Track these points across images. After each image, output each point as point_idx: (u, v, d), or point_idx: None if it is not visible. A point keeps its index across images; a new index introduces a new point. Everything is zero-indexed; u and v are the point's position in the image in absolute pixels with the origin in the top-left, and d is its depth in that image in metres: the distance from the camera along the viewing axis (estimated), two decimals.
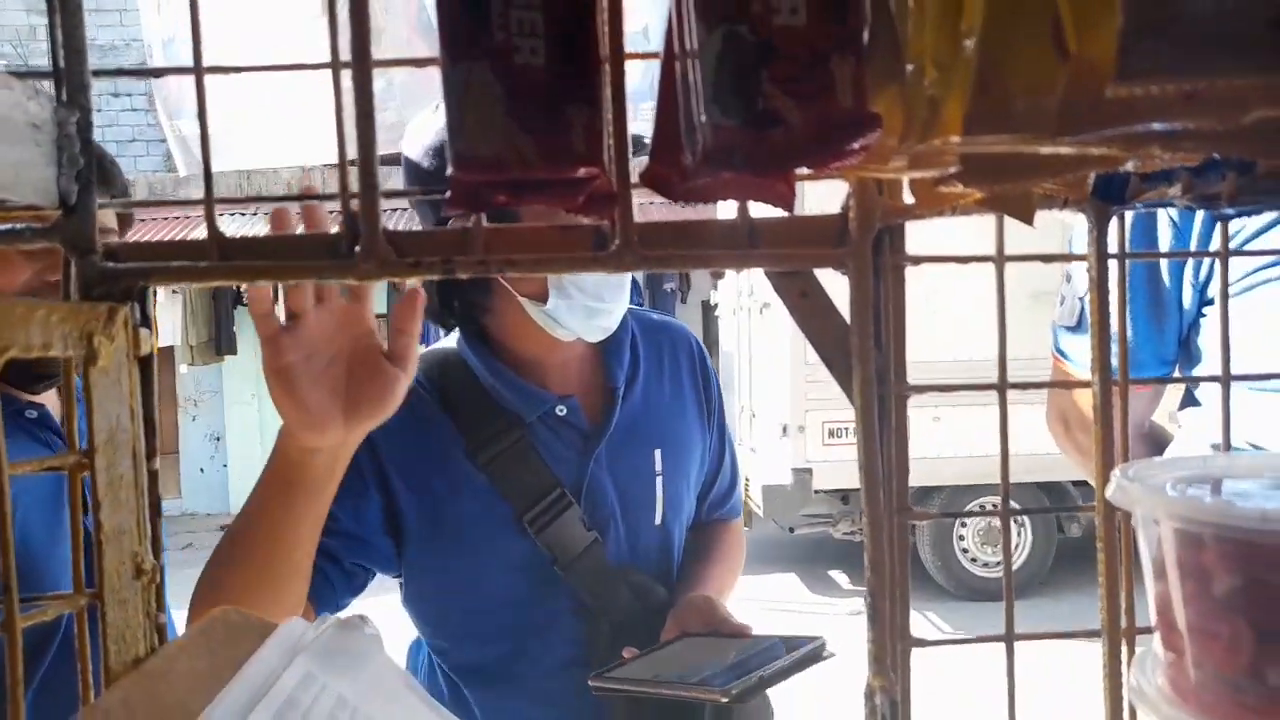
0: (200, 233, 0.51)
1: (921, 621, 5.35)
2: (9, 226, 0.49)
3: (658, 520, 1.26)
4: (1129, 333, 1.05)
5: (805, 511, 5.87)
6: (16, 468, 0.39)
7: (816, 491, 5.62)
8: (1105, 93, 0.24)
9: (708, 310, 8.64)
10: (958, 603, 5.68)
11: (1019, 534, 5.84)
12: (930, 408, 5.13)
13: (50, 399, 1.24)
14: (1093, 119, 0.27)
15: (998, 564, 5.82)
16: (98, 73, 0.49)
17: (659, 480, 1.26)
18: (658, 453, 1.27)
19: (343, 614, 0.57)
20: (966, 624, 5.24)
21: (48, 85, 0.49)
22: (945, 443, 5.19)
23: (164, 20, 7.35)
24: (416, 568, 1.18)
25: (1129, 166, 0.40)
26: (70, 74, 0.47)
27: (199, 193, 0.52)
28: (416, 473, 1.16)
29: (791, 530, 6.15)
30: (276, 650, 0.51)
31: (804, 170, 0.44)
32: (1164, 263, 1.02)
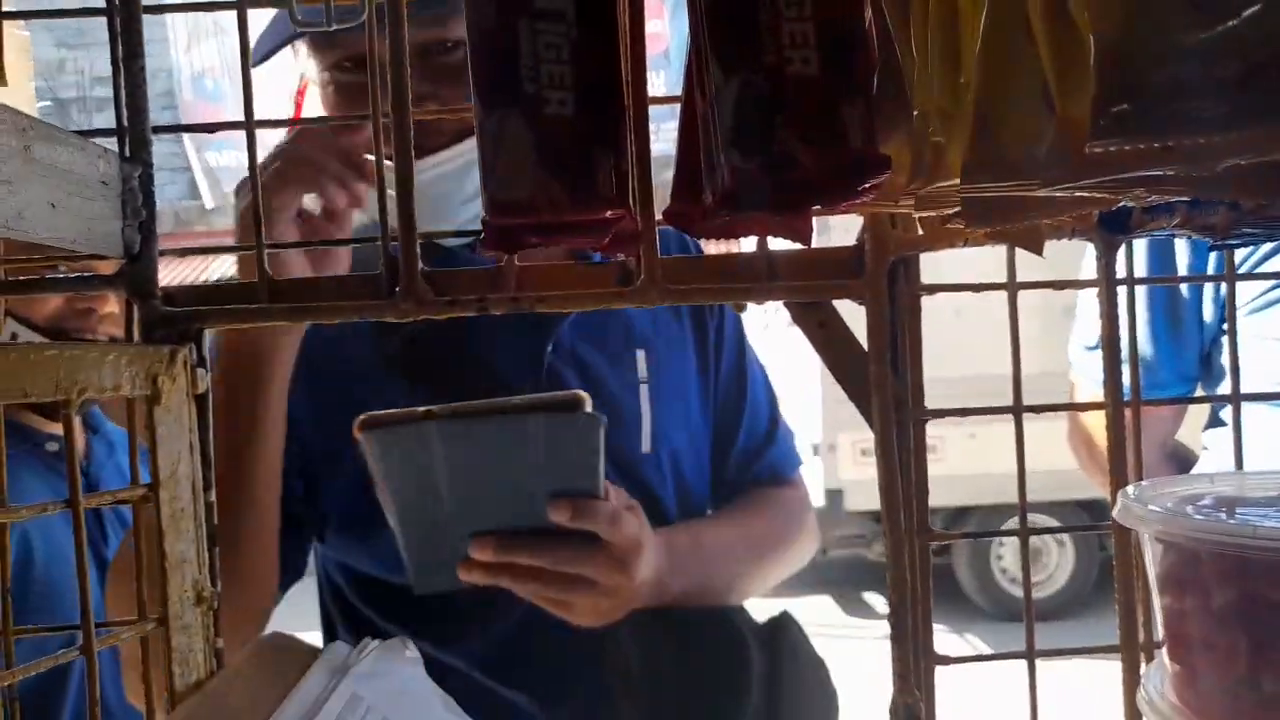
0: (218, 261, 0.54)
1: (960, 644, 5.28)
2: (77, 275, 0.53)
3: (646, 446, 0.91)
4: (1149, 351, 1.05)
5: (838, 533, 5.83)
6: (90, 501, 0.43)
7: (849, 512, 5.58)
8: (1084, 150, 0.26)
9: None
10: (999, 624, 5.59)
11: (1060, 552, 5.75)
12: (965, 425, 5.09)
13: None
14: (1078, 168, 0.29)
15: (1039, 583, 5.73)
16: (158, 129, 0.53)
17: (645, 389, 0.92)
18: (641, 354, 0.92)
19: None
20: (1007, 646, 5.13)
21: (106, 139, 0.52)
22: (980, 460, 5.13)
23: (192, 57, 7.57)
24: (329, 502, 0.89)
25: (1127, 202, 0.42)
26: (134, 131, 0.51)
27: (224, 220, 0.56)
28: (320, 379, 0.87)
29: (824, 552, 6.11)
30: (323, 674, 0.53)
31: (819, 206, 0.46)
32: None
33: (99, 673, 1.22)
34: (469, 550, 0.70)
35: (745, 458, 1.00)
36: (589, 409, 0.66)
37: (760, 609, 0.96)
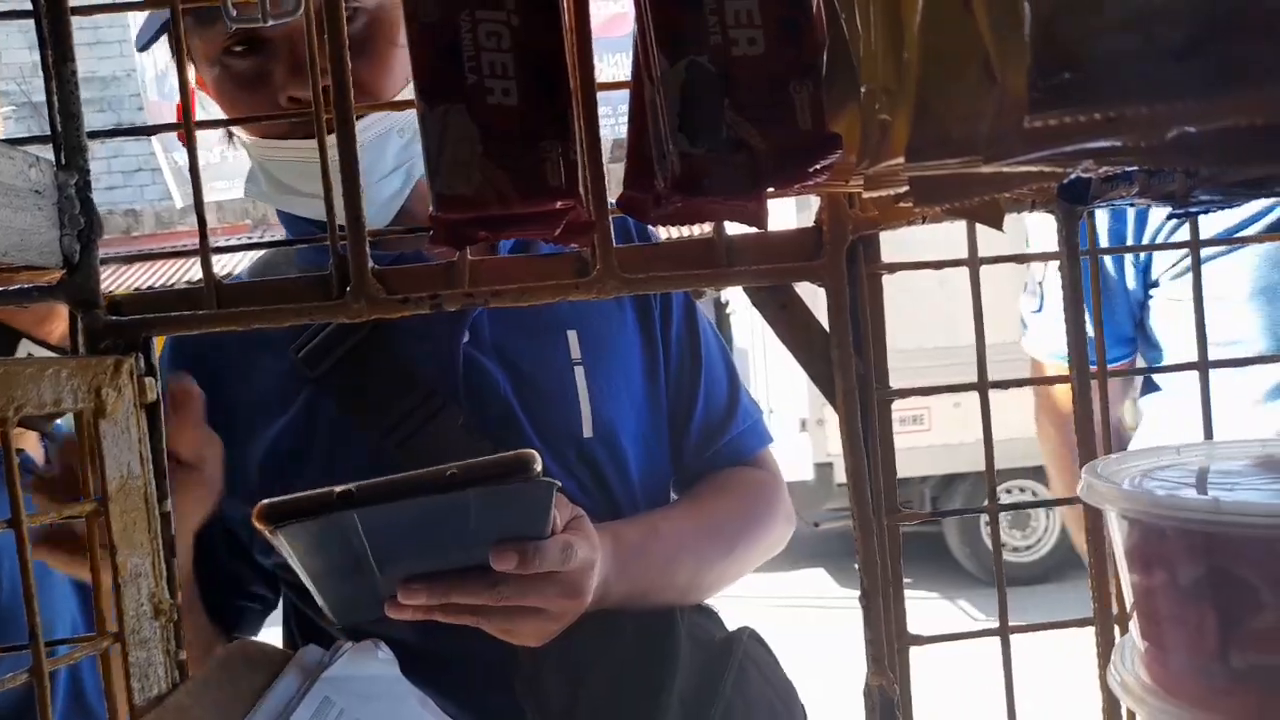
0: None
1: (953, 610, 5.33)
2: (16, 287, 0.51)
3: (587, 430, 0.84)
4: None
5: (829, 505, 5.86)
6: (35, 519, 0.41)
7: (839, 485, 5.61)
8: (1024, 124, 0.25)
9: (720, 308, 8.65)
10: (991, 589, 5.64)
11: (1047, 516, 5.80)
12: (947, 394, 5.11)
13: (29, 442, 1.24)
14: (1021, 143, 0.28)
15: (1028, 547, 5.78)
16: (93, 134, 0.52)
17: (579, 371, 0.84)
18: (572, 335, 0.85)
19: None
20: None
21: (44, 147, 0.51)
22: (966, 428, 5.16)
23: (155, 55, 7.47)
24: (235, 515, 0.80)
25: (1086, 170, 0.41)
26: (68, 138, 0.49)
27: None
28: (224, 390, 0.81)
29: (816, 525, 6.14)
30: (294, 678, 0.53)
31: (771, 189, 0.45)
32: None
33: (83, 684, 1.19)
34: (398, 595, 0.62)
35: (705, 435, 0.93)
36: (537, 472, 0.57)
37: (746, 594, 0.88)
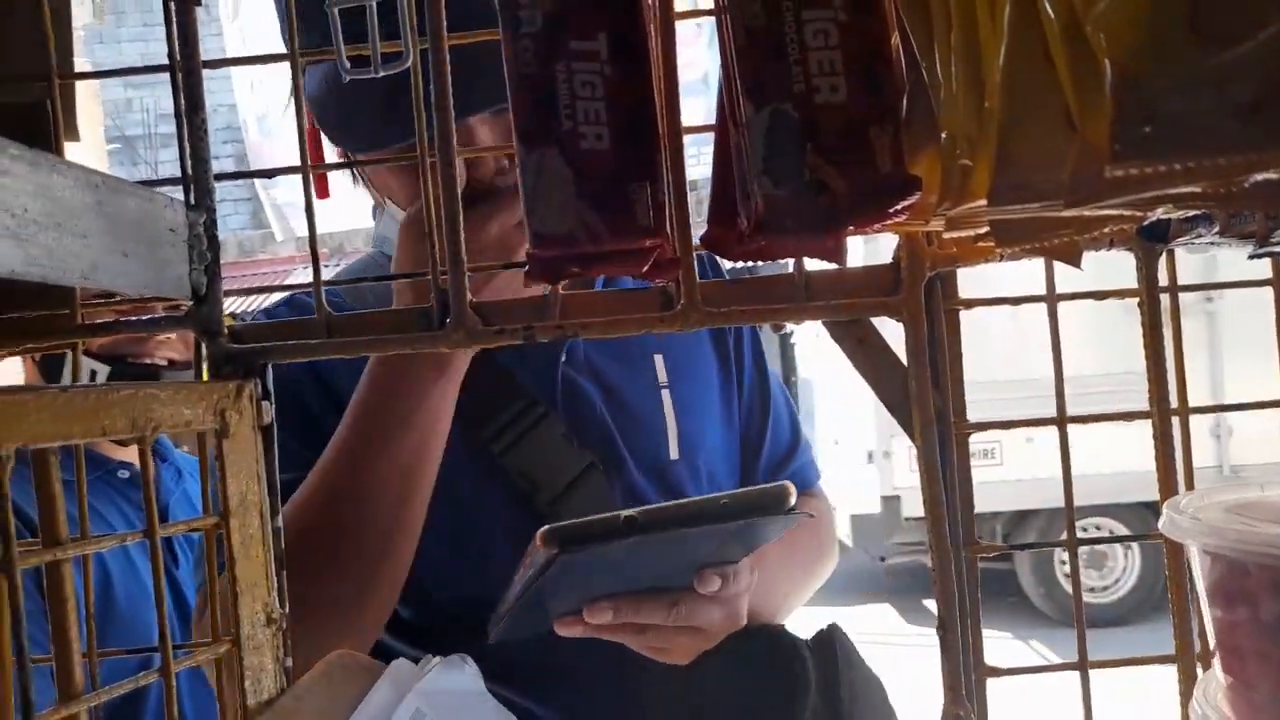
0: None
1: (1025, 650, 5.17)
2: (149, 316, 0.56)
3: (674, 453, 0.88)
4: None
5: (896, 540, 5.75)
6: (168, 529, 0.45)
7: (907, 519, 5.51)
8: (1105, 173, 0.27)
9: (784, 340, 8.61)
10: (1065, 629, 5.46)
11: (1126, 556, 5.61)
12: (1021, 429, 4.99)
13: (134, 456, 1.32)
14: (1101, 189, 0.30)
15: (1104, 588, 5.59)
16: (219, 176, 0.56)
17: (666, 394, 0.89)
18: (660, 359, 0.90)
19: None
20: (1073, 653, 5.02)
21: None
22: (1039, 464, 5.03)
23: (257, 97, 7.84)
24: None
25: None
26: (198, 180, 0.54)
27: (286, 250, 0.58)
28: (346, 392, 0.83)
29: (883, 559, 6.03)
30: (387, 690, 0.56)
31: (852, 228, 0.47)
32: None
33: (177, 691, 1.26)
34: (585, 614, 0.66)
35: (773, 464, 0.98)
36: (794, 504, 0.60)
37: (811, 623, 0.92)
